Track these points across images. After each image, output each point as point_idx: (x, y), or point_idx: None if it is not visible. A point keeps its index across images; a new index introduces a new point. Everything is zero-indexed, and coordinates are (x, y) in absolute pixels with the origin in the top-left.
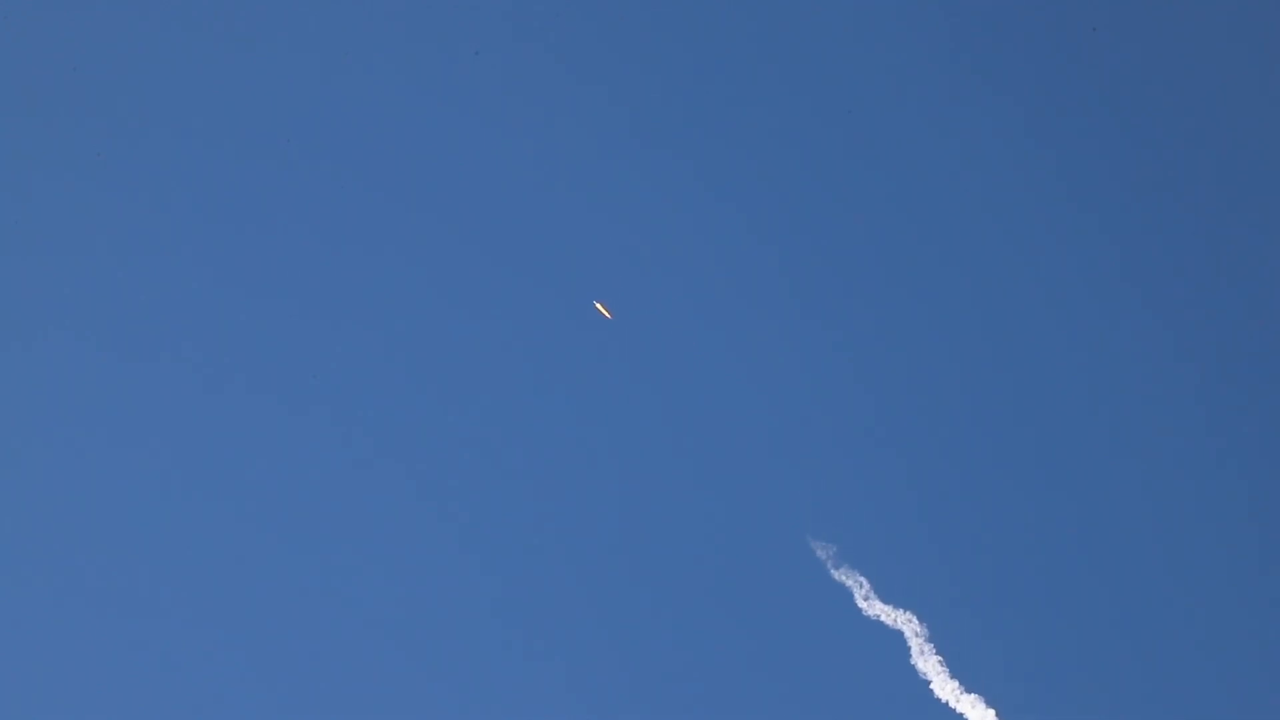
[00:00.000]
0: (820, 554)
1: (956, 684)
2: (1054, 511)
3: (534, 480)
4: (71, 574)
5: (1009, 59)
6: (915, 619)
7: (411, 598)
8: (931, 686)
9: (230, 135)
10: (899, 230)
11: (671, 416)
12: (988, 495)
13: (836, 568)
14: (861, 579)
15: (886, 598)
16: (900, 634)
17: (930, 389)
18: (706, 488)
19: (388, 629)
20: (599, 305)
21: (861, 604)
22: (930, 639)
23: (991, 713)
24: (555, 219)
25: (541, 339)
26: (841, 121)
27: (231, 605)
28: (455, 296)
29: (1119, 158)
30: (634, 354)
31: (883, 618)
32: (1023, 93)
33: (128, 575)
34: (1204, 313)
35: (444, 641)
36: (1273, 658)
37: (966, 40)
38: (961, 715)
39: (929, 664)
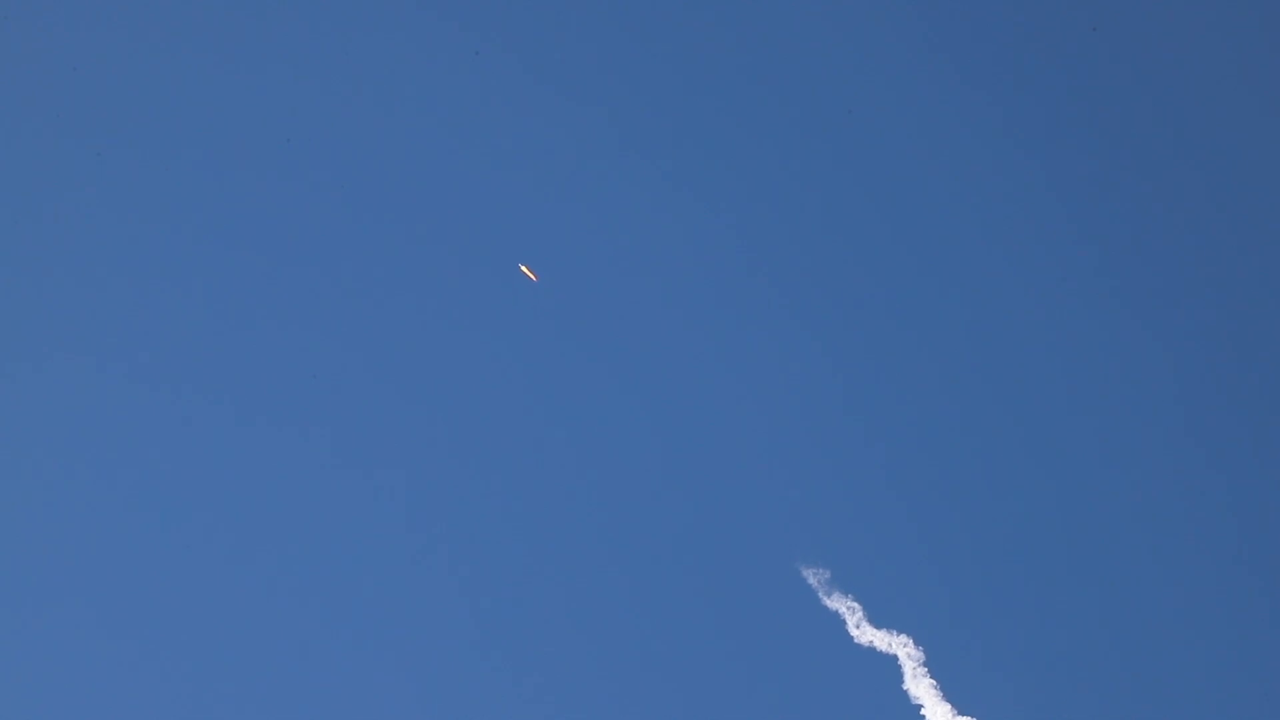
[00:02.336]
0: (812, 581)
1: (950, 707)
2: (1050, 532)
3: (519, 507)
4: (69, 575)
5: (1007, 59)
6: (911, 642)
7: (397, 621)
8: (924, 712)
9: (225, 136)
10: (897, 251)
11: (662, 442)
12: (982, 516)
13: (828, 594)
14: (854, 604)
15: (879, 622)
16: (893, 658)
17: (924, 409)
18: (697, 513)
19: (376, 638)
20: (524, 268)
21: (854, 632)
22: (925, 662)
23: None
24: (561, 238)
25: (537, 366)
26: (841, 126)
27: (220, 607)
28: (453, 302)
29: (1118, 159)
30: (626, 380)
31: (875, 643)
32: (1022, 93)
33: (123, 576)
34: (1212, 331)
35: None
36: (1273, 683)
37: (963, 39)
38: None
39: (921, 687)
